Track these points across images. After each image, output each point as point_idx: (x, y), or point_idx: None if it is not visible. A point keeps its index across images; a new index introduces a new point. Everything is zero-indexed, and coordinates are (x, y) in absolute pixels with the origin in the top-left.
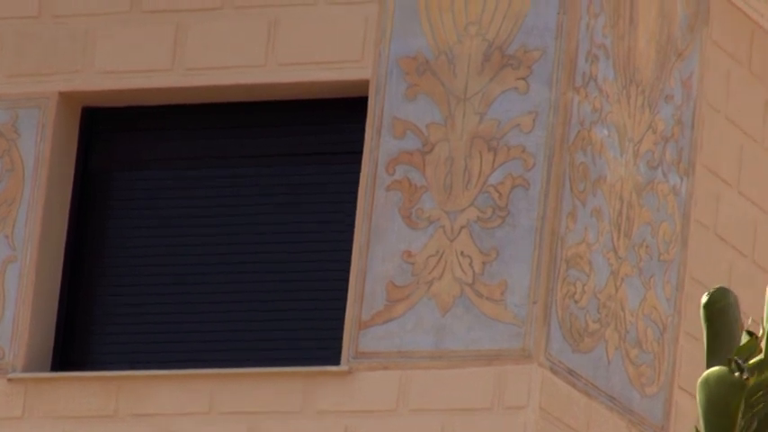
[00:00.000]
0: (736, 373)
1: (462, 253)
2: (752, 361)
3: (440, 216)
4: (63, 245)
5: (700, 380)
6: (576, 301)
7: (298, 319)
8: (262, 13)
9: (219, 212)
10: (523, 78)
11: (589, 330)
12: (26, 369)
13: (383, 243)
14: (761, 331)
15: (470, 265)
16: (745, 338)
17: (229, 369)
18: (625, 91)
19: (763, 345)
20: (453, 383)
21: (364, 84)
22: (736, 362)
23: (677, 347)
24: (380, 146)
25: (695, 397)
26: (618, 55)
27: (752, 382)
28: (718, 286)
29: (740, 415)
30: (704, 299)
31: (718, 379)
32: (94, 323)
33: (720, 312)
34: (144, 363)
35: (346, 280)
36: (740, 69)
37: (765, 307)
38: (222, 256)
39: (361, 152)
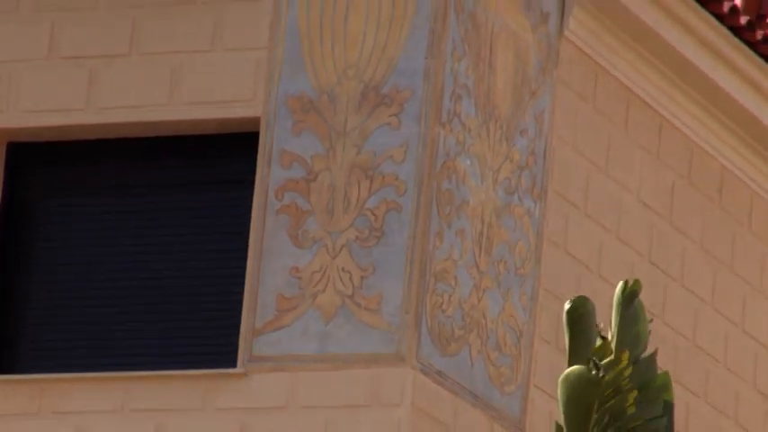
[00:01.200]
0: (594, 372)
1: (343, 269)
2: (604, 361)
3: (323, 236)
4: None
5: (561, 377)
6: (443, 311)
7: (199, 328)
8: (165, 59)
9: (129, 234)
10: (395, 115)
11: (455, 336)
12: None
13: (273, 260)
14: (609, 336)
15: (350, 279)
16: (599, 342)
17: (139, 372)
18: (485, 126)
19: (612, 347)
20: (336, 384)
21: (256, 120)
22: (593, 361)
23: (532, 351)
24: (270, 175)
25: (548, 394)
26: (479, 94)
27: (606, 379)
28: (578, 296)
29: (595, 408)
30: (567, 306)
31: (578, 376)
32: (21, 332)
33: (580, 318)
34: (64, 366)
35: (241, 293)
36: (586, 106)
37: (612, 315)
38: (133, 272)
39: (253, 181)
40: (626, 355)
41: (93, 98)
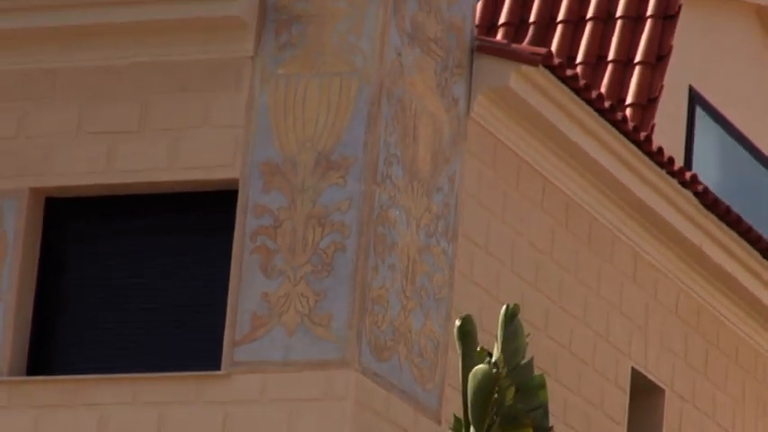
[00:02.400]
0: (494, 370)
1: (302, 294)
2: (491, 363)
3: (286, 270)
4: (33, 290)
5: (471, 374)
6: (378, 327)
7: (192, 339)
8: (166, 133)
9: (139, 267)
10: (342, 177)
11: (387, 346)
12: (10, 374)
13: (248, 288)
14: (496, 347)
15: (307, 302)
16: (479, 350)
17: (147, 373)
18: (410, 185)
19: (494, 354)
20: (297, 383)
21: (235, 181)
22: (494, 363)
23: (446, 357)
24: (246, 223)
25: (458, 390)
26: (405, 160)
27: (501, 376)
28: (466, 314)
29: (492, 400)
30: (457, 323)
31: (483, 373)
32: (57, 343)
33: (467, 332)
34: (90, 368)
35: (224, 313)
36: (487, 170)
37: (498, 331)
38: (141, 297)
39: (233, 227)
40: (503, 361)
41: (111, 163)
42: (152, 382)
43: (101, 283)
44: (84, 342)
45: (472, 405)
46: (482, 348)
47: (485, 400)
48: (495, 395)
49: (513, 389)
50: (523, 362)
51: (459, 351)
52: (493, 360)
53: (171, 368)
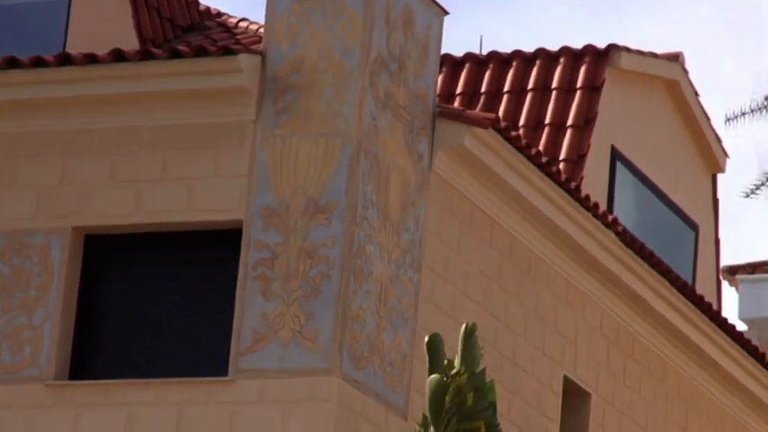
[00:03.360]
0: (444, 379)
1: (294, 314)
2: (452, 372)
3: (282, 294)
4: (74, 310)
5: (427, 381)
6: (356, 341)
7: (205, 351)
8: (184, 182)
9: (163, 291)
10: (327, 218)
11: (364, 357)
12: (55, 378)
13: (251, 309)
14: (456, 358)
15: (299, 321)
16: (446, 362)
17: (168, 378)
18: (383, 225)
19: (456, 364)
20: (290, 386)
21: (240, 222)
22: (445, 373)
23: (412, 366)
24: (249, 256)
25: (421, 394)
26: (379, 205)
27: (452, 383)
28: (434, 332)
29: (447, 401)
30: (426, 339)
31: (436, 382)
32: (93, 352)
33: (434, 346)
34: (121, 374)
35: (230, 329)
36: (446, 213)
37: (458, 345)
38: (164, 316)
39: (238, 259)
40: (463, 370)
41: (138, 206)
42: (171, 386)
43: (130, 303)
44: (116, 352)
45: (429, 406)
46: (449, 360)
47: (438, 401)
48: (455, 398)
49: (471, 393)
50: (478, 370)
51: (427, 361)
52: (455, 369)
53: (187, 374)
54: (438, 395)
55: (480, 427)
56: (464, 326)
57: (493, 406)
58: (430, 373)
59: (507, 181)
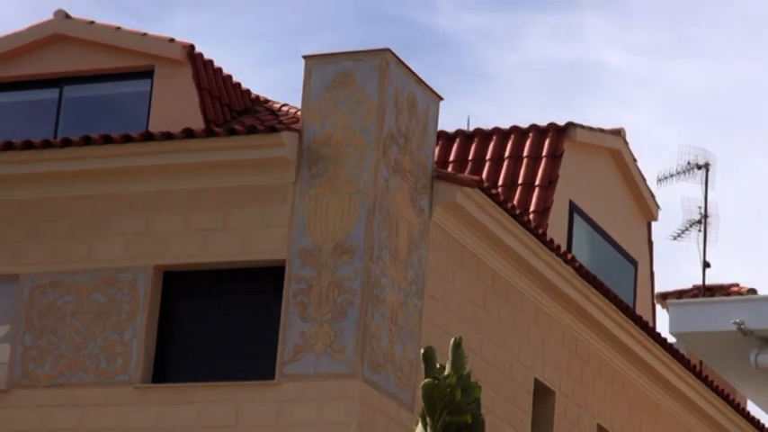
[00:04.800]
0: (435, 381)
1: (326, 333)
2: (443, 375)
3: (316, 317)
4: (156, 329)
5: (421, 384)
6: (374, 353)
7: (259, 361)
8: (241, 231)
9: (225, 315)
10: (351, 258)
11: (380, 365)
12: (141, 382)
13: (292, 328)
14: (447, 364)
15: (329, 337)
16: (438, 367)
17: (228, 382)
18: (394, 263)
19: (447, 368)
20: (323, 387)
21: (283, 261)
22: (436, 377)
23: (417, 371)
24: (290, 287)
25: None
26: (390, 248)
27: (444, 384)
28: (427, 345)
29: (440, 399)
30: (422, 350)
31: (428, 384)
32: (170, 361)
33: (429, 356)
34: (192, 378)
35: (276, 343)
36: (442, 254)
37: (449, 353)
38: (225, 334)
39: (282, 290)
40: (453, 373)
41: (205, 249)
42: (231, 388)
43: (198, 324)
44: (189, 361)
45: (425, 402)
46: (441, 365)
47: (431, 399)
48: (447, 395)
49: (459, 390)
50: (465, 373)
51: (423, 368)
52: (446, 372)
53: (243, 378)
54: (431, 394)
55: (468, 418)
56: (453, 339)
57: (477, 401)
58: (425, 377)
59: (490, 229)
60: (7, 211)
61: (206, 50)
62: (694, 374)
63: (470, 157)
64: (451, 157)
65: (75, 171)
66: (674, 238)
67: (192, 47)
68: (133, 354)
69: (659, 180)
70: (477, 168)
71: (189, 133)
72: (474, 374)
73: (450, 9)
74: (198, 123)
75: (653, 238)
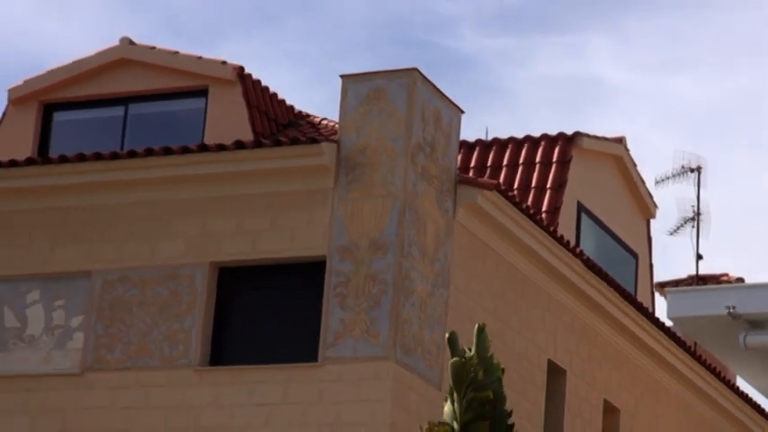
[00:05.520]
0: (462, 359)
1: (363, 320)
2: (468, 357)
3: (354, 306)
4: (212, 319)
5: (450, 363)
6: (405, 337)
7: (304, 345)
8: (288, 231)
9: (274, 304)
10: (384, 253)
11: (411, 348)
12: (200, 365)
13: (333, 316)
14: (473, 347)
15: (366, 324)
16: (462, 351)
17: (277, 364)
18: (422, 258)
19: (472, 351)
20: (360, 369)
21: (324, 257)
22: (462, 358)
23: (444, 354)
24: (331, 280)
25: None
26: (419, 244)
27: (468, 365)
28: (451, 331)
29: (465, 383)
30: (447, 335)
31: (457, 363)
32: (226, 346)
33: (453, 340)
34: (247, 361)
35: (319, 331)
36: (466, 250)
37: (474, 338)
38: (279, 324)
39: (323, 283)
40: (476, 355)
41: (255, 247)
42: (280, 369)
43: (251, 314)
44: (242, 346)
45: (453, 380)
46: (465, 348)
47: (458, 377)
48: (471, 374)
49: (482, 370)
50: (488, 355)
51: (449, 350)
52: (471, 354)
53: (290, 361)
54: (458, 373)
55: (490, 394)
56: (477, 325)
57: (499, 380)
58: (452, 358)
59: (507, 227)
60: (81, 216)
61: (254, 71)
62: (689, 354)
63: (489, 164)
64: (472, 164)
65: (139, 179)
66: (671, 234)
67: (241, 68)
68: (192, 340)
69: (657, 182)
70: (495, 173)
71: (239, 145)
72: (494, 356)
73: (470, 33)
74: (247, 136)
75: (651, 233)
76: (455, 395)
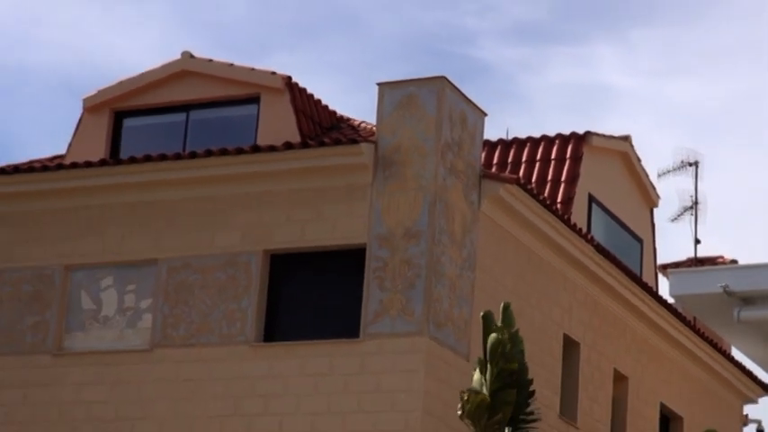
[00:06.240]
0: (497, 336)
1: (399, 300)
2: (497, 332)
3: (391, 288)
4: (266, 300)
5: (489, 338)
6: (437, 315)
7: (347, 322)
8: (330, 221)
9: (319, 286)
10: (417, 241)
11: (442, 324)
12: (255, 341)
13: (373, 297)
14: (499, 322)
15: (402, 303)
16: (493, 326)
17: (325, 340)
18: (452, 244)
19: (498, 327)
20: (398, 343)
21: (365, 244)
22: (500, 334)
23: (471, 329)
24: (370, 264)
25: (478, 345)
26: (449, 232)
27: (499, 338)
28: (487, 310)
29: (497, 350)
30: (481, 314)
31: (495, 339)
32: (278, 324)
33: (487, 318)
34: (298, 337)
35: (360, 311)
36: (490, 237)
37: (499, 314)
38: (323, 303)
39: (364, 267)
40: (504, 330)
41: (303, 236)
42: (326, 345)
43: (299, 295)
44: (293, 324)
45: (489, 352)
46: (495, 324)
47: (493, 350)
48: (498, 348)
49: (509, 344)
50: (514, 330)
51: (482, 327)
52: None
53: (335, 337)
54: (495, 347)
55: (515, 365)
56: (502, 304)
57: (521, 352)
58: (484, 333)
59: (526, 216)
60: (148, 210)
61: (300, 80)
62: (689, 328)
63: (509, 160)
64: (495, 161)
65: (199, 177)
66: (672, 221)
67: (289, 78)
68: (248, 319)
69: (659, 175)
70: (515, 169)
71: (288, 145)
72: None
73: (492, 45)
74: (295, 137)
75: (655, 221)
76: (488, 366)
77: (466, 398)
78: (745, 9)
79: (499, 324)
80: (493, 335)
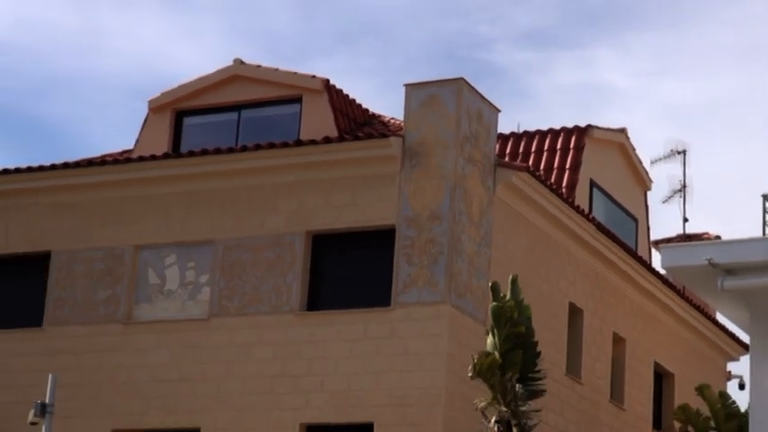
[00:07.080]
0: (500, 304)
1: (425, 273)
2: (505, 300)
3: (417, 263)
4: (309, 276)
5: (491, 306)
6: (458, 286)
7: (379, 293)
8: (363, 206)
9: (353, 263)
10: (440, 221)
11: (462, 294)
12: (299, 310)
13: (401, 270)
14: (507, 292)
15: (427, 276)
16: (500, 295)
17: (359, 309)
18: (470, 224)
19: (507, 296)
20: (424, 311)
21: (394, 225)
22: (500, 302)
23: (487, 299)
24: (399, 243)
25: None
26: (468, 214)
27: (505, 307)
28: (493, 281)
29: (503, 321)
30: (490, 284)
31: (496, 307)
32: (318, 296)
33: (495, 289)
34: (336, 306)
35: (391, 281)
36: (504, 219)
37: (509, 286)
38: (355, 279)
39: (394, 245)
40: (511, 299)
41: (339, 218)
42: (361, 313)
43: (338, 270)
44: (331, 296)
45: (493, 319)
46: (503, 294)
47: (497, 316)
48: (507, 314)
49: (516, 312)
50: (520, 298)
51: (491, 297)
52: (507, 298)
53: (369, 306)
54: (498, 313)
55: (522, 329)
56: (510, 276)
57: (528, 318)
58: (493, 302)
59: (536, 200)
60: (206, 197)
61: (337, 82)
62: (679, 295)
63: (520, 151)
64: (507, 151)
65: (250, 168)
66: (663, 202)
67: (327, 80)
68: (293, 292)
69: (651, 162)
70: (526, 158)
71: (327, 139)
72: (526, 300)
73: (504, 50)
74: (333, 132)
75: (648, 202)
76: (495, 331)
77: (476, 359)
78: (731, 15)
79: (508, 294)
80: (493, 303)
